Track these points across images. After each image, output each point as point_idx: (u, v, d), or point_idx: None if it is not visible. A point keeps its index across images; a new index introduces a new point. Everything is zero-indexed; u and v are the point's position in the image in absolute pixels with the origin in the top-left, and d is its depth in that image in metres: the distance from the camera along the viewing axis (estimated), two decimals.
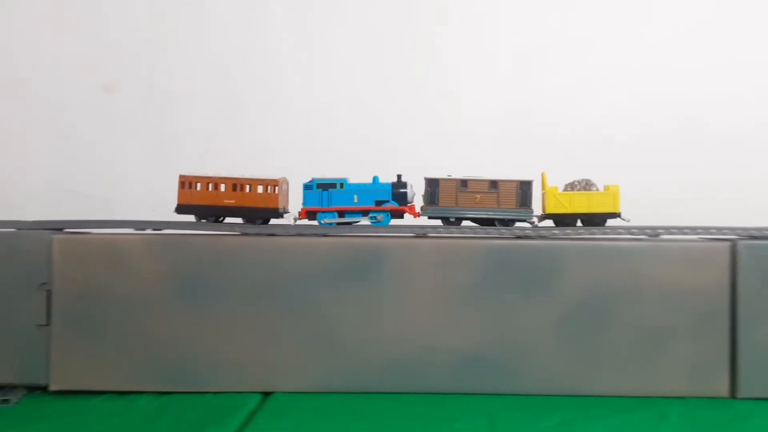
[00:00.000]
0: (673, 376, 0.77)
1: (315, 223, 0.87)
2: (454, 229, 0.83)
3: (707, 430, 0.69)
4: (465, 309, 0.78)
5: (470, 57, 1.27)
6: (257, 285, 0.80)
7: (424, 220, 0.87)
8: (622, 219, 0.82)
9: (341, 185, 0.87)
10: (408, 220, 0.87)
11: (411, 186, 0.88)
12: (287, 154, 1.24)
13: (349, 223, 0.86)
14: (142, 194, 1.21)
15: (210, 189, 0.87)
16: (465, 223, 0.86)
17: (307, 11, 1.27)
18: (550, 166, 0.87)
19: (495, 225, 0.84)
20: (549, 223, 0.86)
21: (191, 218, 0.87)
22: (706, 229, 0.80)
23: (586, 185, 0.83)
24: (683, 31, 1.25)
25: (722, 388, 0.77)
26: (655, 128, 1.24)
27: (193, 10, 1.28)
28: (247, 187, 0.87)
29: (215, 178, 0.88)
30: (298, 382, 0.79)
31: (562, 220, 0.83)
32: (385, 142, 1.24)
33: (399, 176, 0.88)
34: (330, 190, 0.87)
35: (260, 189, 0.87)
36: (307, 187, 0.88)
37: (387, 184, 0.88)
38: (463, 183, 0.85)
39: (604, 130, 1.24)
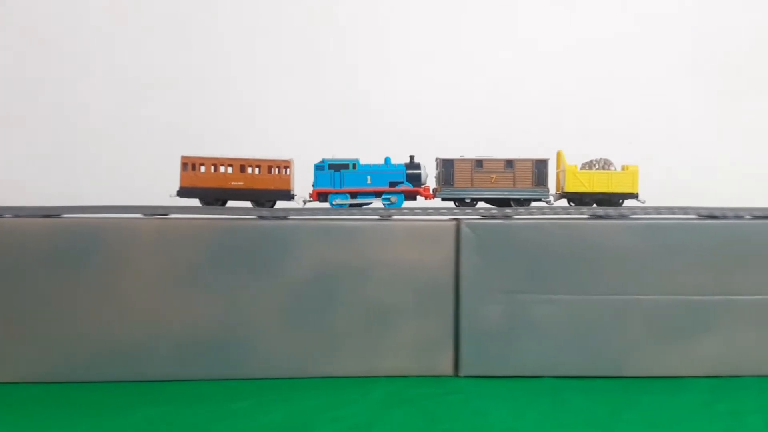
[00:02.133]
0: (399, 355, 0.76)
1: (326, 205, 0.85)
2: (176, 210, 0.79)
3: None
4: (189, 292, 0.75)
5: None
6: None
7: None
8: (639, 201, 0.82)
9: (354, 166, 0.85)
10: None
11: (424, 167, 0.86)
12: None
13: (362, 205, 0.84)
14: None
15: (215, 171, 0.84)
16: (191, 201, 0.83)
17: None
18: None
19: (511, 205, 0.83)
20: (563, 202, 0.86)
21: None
22: (437, 210, 0.80)
23: (605, 164, 0.83)
24: None
25: (447, 366, 0.77)
26: None
27: None
28: (257, 168, 0.84)
29: (222, 158, 0.84)
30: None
31: (581, 199, 0.82)
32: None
33: (412, 157, 0.87)
34: (342, 171, 0.84)
35: (271, 170, 0.84)
36: (319, 167, 0.85)
37: (400, 165, 0.86)
38: (479, 163, 0.84)
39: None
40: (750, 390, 0.72)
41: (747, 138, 1.24)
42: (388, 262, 0.76)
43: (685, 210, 0.79)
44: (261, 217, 0.79)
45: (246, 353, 0.76)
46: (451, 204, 0.85)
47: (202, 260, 0.75)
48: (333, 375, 0.76)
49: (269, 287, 0.76)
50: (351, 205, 0.84)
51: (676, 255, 0.76)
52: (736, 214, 0.78)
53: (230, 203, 0.85)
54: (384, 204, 0.84)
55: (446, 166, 0.84)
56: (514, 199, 0.83)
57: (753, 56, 1.26)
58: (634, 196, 0.82)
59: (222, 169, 0.84)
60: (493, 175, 0.83)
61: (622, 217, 0.78)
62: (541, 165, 0.83)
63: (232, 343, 0.76)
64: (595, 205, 0.83)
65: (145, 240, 0.75)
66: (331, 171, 0.84)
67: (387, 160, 0.86)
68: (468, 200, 0.84)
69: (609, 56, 1.25)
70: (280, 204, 0.86)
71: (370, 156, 0.87)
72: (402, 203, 0.84)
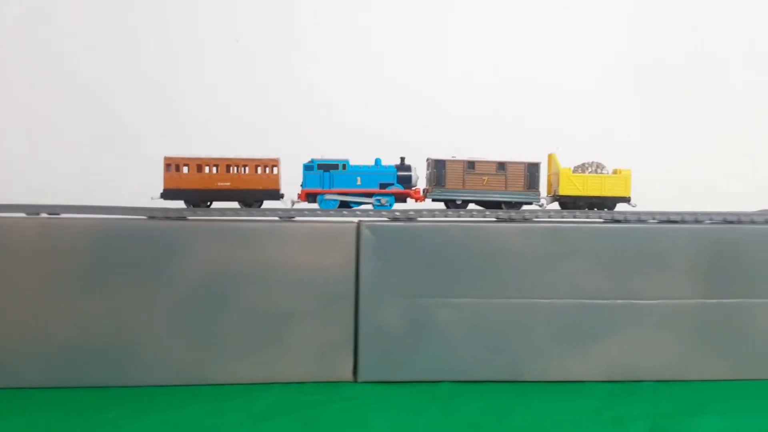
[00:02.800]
0: (296, 361, 0.74)
1: (315, 205, 0.83)
2: (63, 209, 0.75)
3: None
4: (71, 295, 0.72)
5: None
6: None
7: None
8: (631, 205, 0.83)
9: (343, 167, 0.83)
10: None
11: (415, 169, 0.85)
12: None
13: (351, 207, 0.83)
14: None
15: (200, 171, 0.81)
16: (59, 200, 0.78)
17: None
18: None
19: (502, 208, 0.83)
20: (554, 205, 0.86)
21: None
22: (339, 212, 0.79)
23: (598, 167, 0.83)
24: None
25: (346, 372, 0.75)
26: None
27: None
28: (244, 168, 0.81)
29: (206, 159, 0.81)
30: None
31: (574, 203, 0.82)
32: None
33: (402, 159, 0.85)
34: (332, 171, 0.83)
35: (259, 170, 0.82)
36: (308, 167, 0.83)
37: (391, 166, 0.84)
38: (471, 164, 0.83)
39: None
40: (644, 395, 0.72)
41: (679, 142, 1.25)
42: (285, 264, 0.74)
43: (586, 214, 0.79)
44: (151, 218, 0.75)
45: (130, 360, 0.73)
46: (440, 205, 0.84)
47: (87, 262, 0.72)
48: (224, 382, 0.74)
49: (157, 291, 0.72)
50: (341, 207, 0.82)
51: (578, 259, 0.75)
52: (639, 218, 0.78)
53: (216, 204, 0.83)
54: (375, 206, 0.83)
55: (438, 167, 0.83)
56: (505, 202, 0.83)
57: (688, 63, 1.27)
58: (627, 200, 0.83)
59: (207, 169, 0.81)
60: (485, 177, 0.83)
61: (525, 220, 0.78)
62: (533, 168, 0.83)
63: (115, 349, 0.72)
64: (590, 209, 0.82)
65: (26, 240, 0.71)
66: (321, 171, 0.83)
67: (377, 161, 0.84)
68: (459, 202, 0.83)
69: (539, 62, 1.26)
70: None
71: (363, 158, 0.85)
72: (393, 205, 0.83)
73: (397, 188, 0.83)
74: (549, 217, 0.79)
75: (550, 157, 0.85)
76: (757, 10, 1.28)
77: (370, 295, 0.74)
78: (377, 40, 1.25)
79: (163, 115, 1.19)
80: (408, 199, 0.84)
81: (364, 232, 0.74)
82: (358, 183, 0.83)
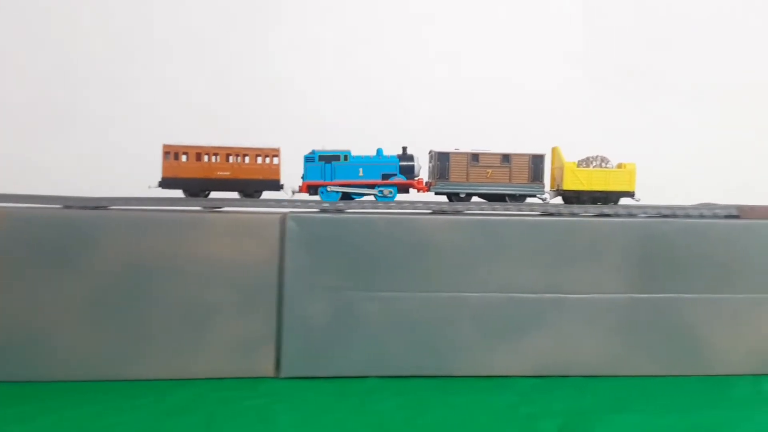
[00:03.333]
0: (217, 355, 0.72)
1: (317, 197, 0.81)
2: None
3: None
4: None
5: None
6: None
7: None
8: (635, 199, 0.82)
9: (345, 157, 0.81)
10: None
11: (417, 159, 0.83)
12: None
13: (353, 198, 0.82)
14: None
15: (200, 160, 0.79)
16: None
17: None
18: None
19: (506, 201, 0.82)
20: (558, 199, 0.85)
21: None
22: (265, 201, 0.78)
23: (602, 161, 0.82)
24: None
25: (268, 367, 0.73)
26: None
27: None
28: (244, 157, 0.80)
29: (206, 147, 0.80)
30: None
31: (578, 198, 0.82)
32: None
33: (404, 148, 0.84)
34: (333, 162, 0.81)
35: (259, 159, 0.80)
36: (309, 159, 0.81)
37: (393, 156, 0.83)
38: (474, 157, 0.81)
39: None
40: (568, 390, 0.71)
41: (635, 136, 1.23)
42: (206, 257, 0.71)
43: (519, 207, 0.78)
44: (67, 207, 0.73)
45: (42, 354, 0.70)
46: (440, 198, 0.83)
47: None
48: (140, 377, 0.71)
49: (72, 283, 0.69)
50: (343, 198, 0.81)
51: (509, 252, 0.74)
52: (572, 211, 0.78)
53: (215, 194, 0.81)
54: (377, 197, 0.81)
55: (441, 160, 0.82)
56: (509, 195, 0.82)
57: (646, 58, 1.26)
58: (631, 194, 0.82)
59: (206, 158, 0.80)
60: (489, 170, 0.81)
61: (456, 213, 0.77)
62: (537, 160, 0.81)
63: (25, 342, 0.69)
64: (599, 204, 0.82)
65: None
66: (322, 163, 0.81)
67: (379, 151, 0.83)
68: (463, 195, 0.82)
69: (496, 57, 1.24)
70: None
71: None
72: (395, 196, 0.82)
73: (400, 179, 0.82)
74: (481, 209, 0.77)
75: (554, 150, 0.84)
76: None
77: (295, 288, 0.72)
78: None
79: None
80: (411, 190, 0.84)
81: (289, 223, 0.72)
82: (360, 174, 0.82)
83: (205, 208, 0.76)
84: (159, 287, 0.71)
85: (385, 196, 0.81)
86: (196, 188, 0.80)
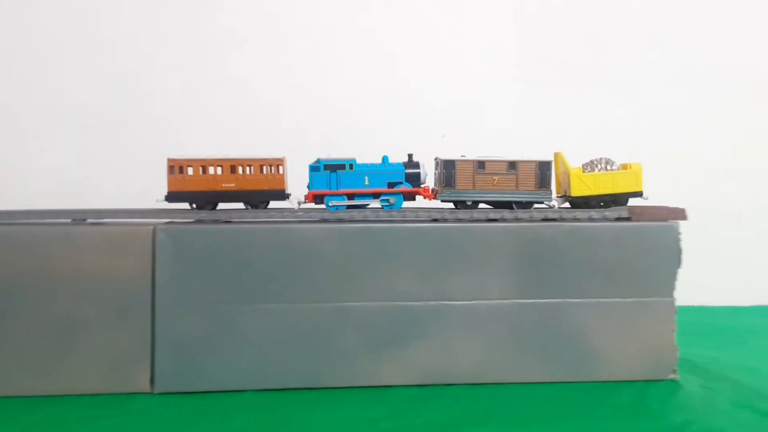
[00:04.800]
0: (88, 372, 0.71)
1: (322, 206, 0.81)
2: None
3: None
4: None
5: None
6: None
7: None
8: (643, 198, 0.81)
9: (350, 166, 0.81)
10: (420, 202, 0.83)
11: (423, 166, 0.83)
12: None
13: (360, 207, 0.81)
14: None
15: (205, 172, 0.79)
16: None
17: None
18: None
19: (513, 208, 0.81)
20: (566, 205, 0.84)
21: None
22: (131, 212, 0.77)
23: (607, 164, 0.81)
24: None
25: (143, 383, 0.72)
26: None
27: None
28: (249, 168, 0.80)
29: (210, 160, 0.80)
30: None
31: (587, 203, 0.81)
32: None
33: (410, 156, 0.83)
34: (338, 171, 0.81)
35: (264, 169, 0.80)
36: (314, 168, 0.81)
37: (398, 164, 0.82)
38: (481, 164, 0.81)
39: None
40: (444, 400, 0.70)
41: (568, 135, 1.22)
42: (74, 271, 0.70)
43: (403, 214, 0.77)
44: None
45: None
46: (449, 204, 0.82)
47: None
48: (6, 395, 0.70)
49: None
50: (348, 207, 0.81)
51: (392, 260, 0.74)
52: (457, 217, 0.77)
53: (222, 205, 0.81)
54: (383, 206, 0.81)
55: (447, 167, 0.81)
56: (516, 202, 0.81)
57: (578, 52, 1.24)
58: (639, 194, 0.81)
59: (211, 170, 0.79)
60: (496, 177, 0.81)
61: (340, 221, 0.76)
62: (544, 167, 0.81)
63: None
64: (602, 204, 0.81)
65: None
66: (327, 172, 0.81)
67: (384, 158, 0.82)
68: (469, 203, 0.82)
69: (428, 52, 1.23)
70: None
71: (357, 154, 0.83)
72: (401, 205, 0.82)
73: (406, 187, 0.82)
74: (364, 217, 0.77)
75: (556, 155, 0.83)
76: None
77: (168, 301, 0.72)
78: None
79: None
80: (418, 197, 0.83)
81: (160, 236, 0.71)
82: (366, 183, 0.81)
83: (74, 220, 0.75)
84: (25, 303, 0.70)
85: (390, 205, 0.81)
86: (203, 201, 0.80)
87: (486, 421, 0.65)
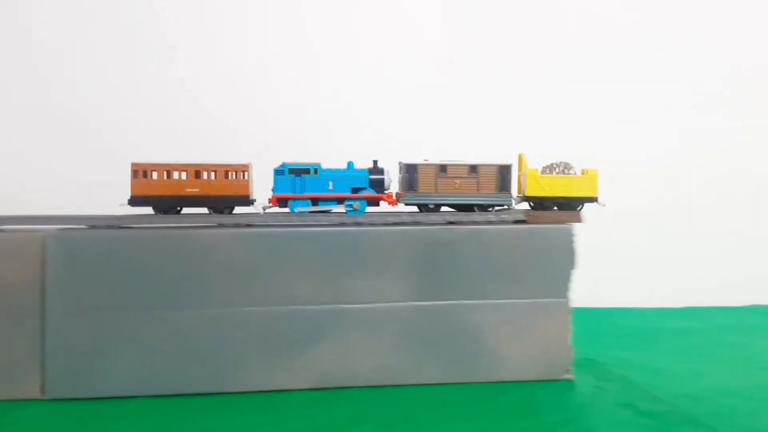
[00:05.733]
0: None
1: (286, 210, 0.82)
2: None
3: None
4: None
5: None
6: None
7: None
8: (600, 204, 0.83)
9: (315, 171, 0.82)
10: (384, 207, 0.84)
11: (388, 172, 0.84)
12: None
13: (324, 212, 0.82)
14: None
15: (169, 177, 0.80)
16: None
17: None
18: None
19: (474, 210, 0.83)
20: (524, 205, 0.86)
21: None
22: (22, 219, 0.76)
23: (565, 168, 0.83)
24: None
25: (33, 389, 0.71)
26: None
27: None
28: (213, 173, 0.80)
29: (174, 164, 0.80)
30: None
31: (541, 204, 0.83)
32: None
33: (375, 162, 0.85)
34: (303, 175, 0.82)
35: (229, 175, 0.80)
36: (279, 172, 0.82)
37: (363, 170, 0.83)
38: (443, 168, 0.82)
39: None
40: (336, 405, 0.70)
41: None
42: None
43: (303, 219, 0.78)
44: None
45: None
46: (412, 208, 0.84)
47: None
48: None
49: None
50: (312, 212, 0.82)
51: (290, 264, 0.74)
52: (355, 221, 0.78)
53: (186, 210, 0.81)
54: (347, 210, 0.82)
55: (410, 171, 0.82)
56: (477, 205, 0.83)
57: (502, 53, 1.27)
58: (594, 200, 0.83)
59: (176, 175, 0.80)
60: (458, 181, 0.82)
61: (237, 225, 0.76)
62: (504, 170, 0.83)
63: None
64: (555, 208, 0.83)
65: None
66: (292, 176, 0.82)
67: (350, 164, 0.84)
68: (431, 206, 0.83)
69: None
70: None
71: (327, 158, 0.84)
72: (365, 210, 0.83)
73: (369, 192, 0.83)
74: (263, 221, 0.77)
75: (520, 157, 0.85)
76: None
77: (58, 308, 0.71)
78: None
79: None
80: (381, 203, 0.84)
81: (49, 242, 0.71)
82: (330, 188, 0.82)
83: None
84: None
85: (354, 210, 0.82)
86: (166, 205, 0.80)
87: (357, 423, 0.65)
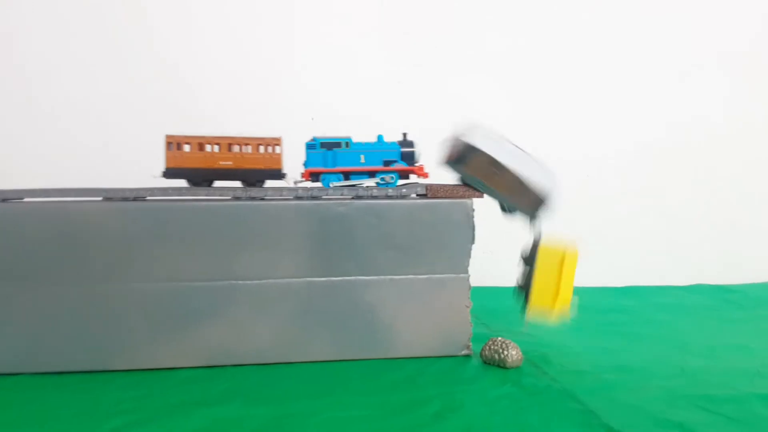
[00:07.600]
0: None
1: (318, 184, 0.82)
2: None
3: None
4: None
5: None
6: None
7: None
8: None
9: (347, 144, 0.82)
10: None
11: (417, 145, 0.84)
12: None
13: (356, 185, 0.82)
14: None
15: (202, 150, 0.80)
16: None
17: None
18: None
19: None
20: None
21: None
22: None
23: None
24: None
25: None
26: None
27: None
28: (246, 147, 0.81)
29: (208, 137, 0.80)
30: None
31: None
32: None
33: (405, 134, 0.85)
34: (335, 149, 0.82)
35: (261, 149, 0.81)
36: (310, 146, 0.82)
37: (393, 143, 0.84)
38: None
39: None
40: (216, 383, 0.68)
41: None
42: None
43: (179, 191, 0.76)
44: None
45: None
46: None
47: None
48: None
49: None
50: (346, 186, 0.82)
51: (179, 239, 0.72)
52: (250, 195, 0.76)
53: (218, 183, 0.82)
54: (378, 184, 0.82)
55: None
56: None
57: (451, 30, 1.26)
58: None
59: (209, 148, 0.80)
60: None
61: (124, 200, 0.73)
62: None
63: None
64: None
65: None
66: (324, 150, 0.82)
67: (380, 137, 0.84)
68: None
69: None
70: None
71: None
72: (397, 183, 0.83)
73: (401, 165, 0.83)
74: (152, 195, 0.75)
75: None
76: None
77: None
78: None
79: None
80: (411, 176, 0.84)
81: None
82: (362, 161, 0.82)
83: None
84: None
85: (386, 183, 0.82)
86: (199, 178, 0.80)
87: (222, 400, 0.63)
